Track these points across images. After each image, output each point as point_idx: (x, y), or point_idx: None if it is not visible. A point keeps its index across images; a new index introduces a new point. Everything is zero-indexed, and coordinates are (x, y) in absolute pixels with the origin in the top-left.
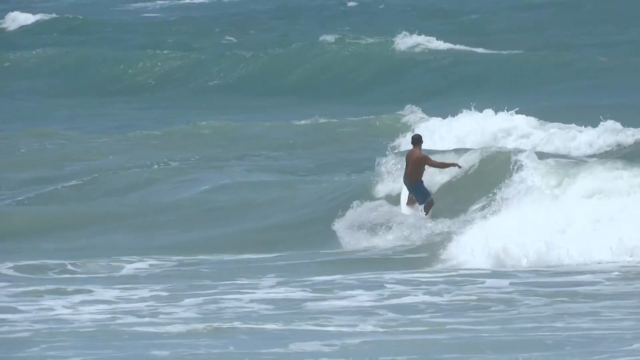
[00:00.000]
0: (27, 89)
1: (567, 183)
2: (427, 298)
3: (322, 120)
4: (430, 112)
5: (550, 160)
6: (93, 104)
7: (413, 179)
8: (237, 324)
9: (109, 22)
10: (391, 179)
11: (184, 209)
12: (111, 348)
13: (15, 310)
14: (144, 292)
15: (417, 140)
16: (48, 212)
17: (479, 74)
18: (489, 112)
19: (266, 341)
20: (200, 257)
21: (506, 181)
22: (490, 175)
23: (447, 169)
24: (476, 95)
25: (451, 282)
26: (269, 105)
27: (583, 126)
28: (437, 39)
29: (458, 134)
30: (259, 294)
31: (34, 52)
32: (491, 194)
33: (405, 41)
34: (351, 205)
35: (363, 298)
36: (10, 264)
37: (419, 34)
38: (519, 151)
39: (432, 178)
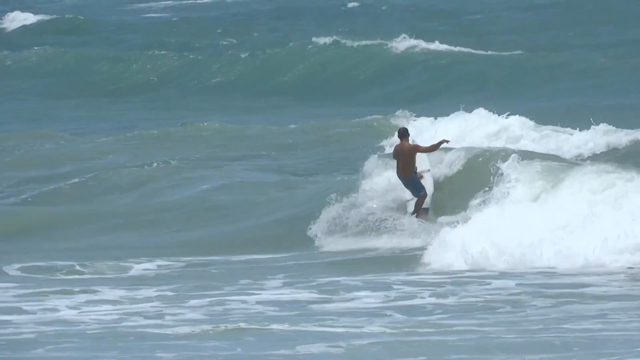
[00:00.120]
0: (27, 89)
1: (552, 187)
2: (434, 299)
3: (321, 121)
4: (431, 112)
5: (537, 165)
6: (93, 104)
7: (407, 173)
8: (243, 325)
9: (110, 22)
10: (379, 176)
11: (185, 207)
12: (117, 349)
13: (20, 311)
14: (150, 293)
15: (403, 133)
16: (51, 211)
17: (478, 74)
18: (480, 111)
19: (273, 343)
20: (207, 258)
21: (486, 188)
22: (476, 175)
23: (437, 149)
24: (476, 95)
25: (458, 284)
26: (268, 106)
27: (578, 129)
28: (440, 43)
29: (447, 135)
30: (265, 295)
31: (34, 51)
32: (475, 197)
33: (403, 44)
34: (327, 199)
35: (369, 299)
36: (18, 265)
37: (416, 38)
38: (505, 151)
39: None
